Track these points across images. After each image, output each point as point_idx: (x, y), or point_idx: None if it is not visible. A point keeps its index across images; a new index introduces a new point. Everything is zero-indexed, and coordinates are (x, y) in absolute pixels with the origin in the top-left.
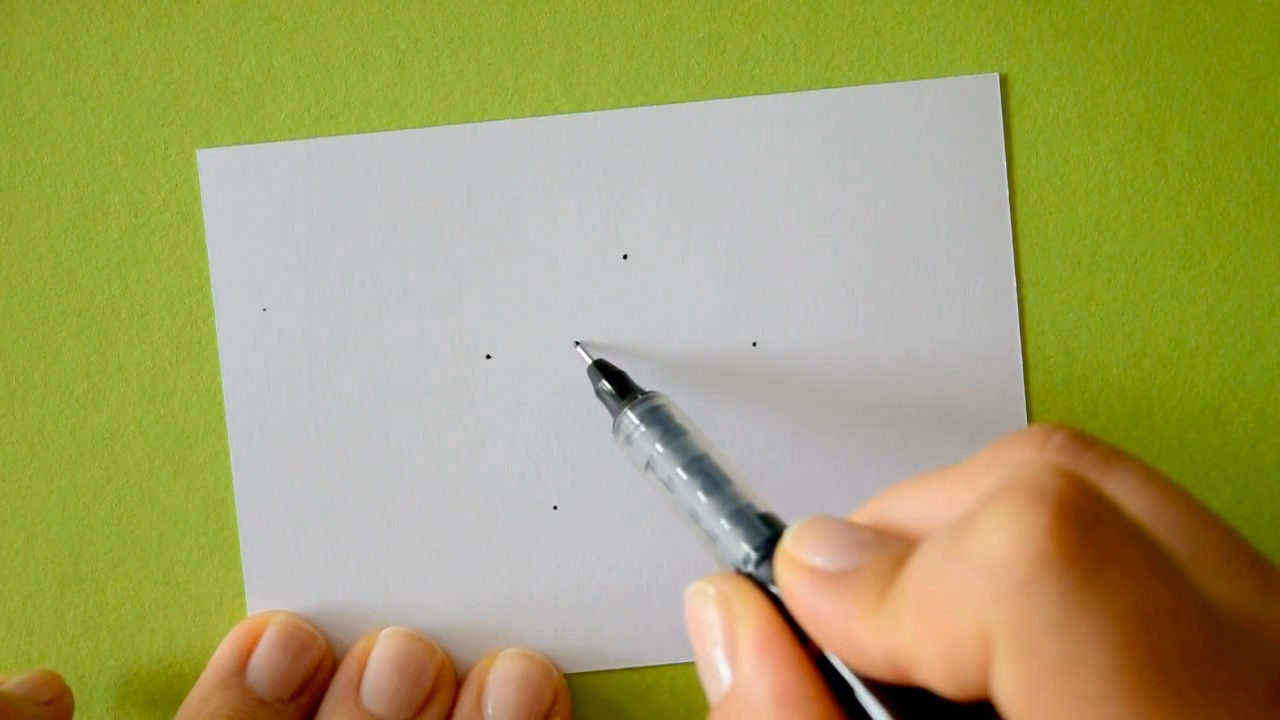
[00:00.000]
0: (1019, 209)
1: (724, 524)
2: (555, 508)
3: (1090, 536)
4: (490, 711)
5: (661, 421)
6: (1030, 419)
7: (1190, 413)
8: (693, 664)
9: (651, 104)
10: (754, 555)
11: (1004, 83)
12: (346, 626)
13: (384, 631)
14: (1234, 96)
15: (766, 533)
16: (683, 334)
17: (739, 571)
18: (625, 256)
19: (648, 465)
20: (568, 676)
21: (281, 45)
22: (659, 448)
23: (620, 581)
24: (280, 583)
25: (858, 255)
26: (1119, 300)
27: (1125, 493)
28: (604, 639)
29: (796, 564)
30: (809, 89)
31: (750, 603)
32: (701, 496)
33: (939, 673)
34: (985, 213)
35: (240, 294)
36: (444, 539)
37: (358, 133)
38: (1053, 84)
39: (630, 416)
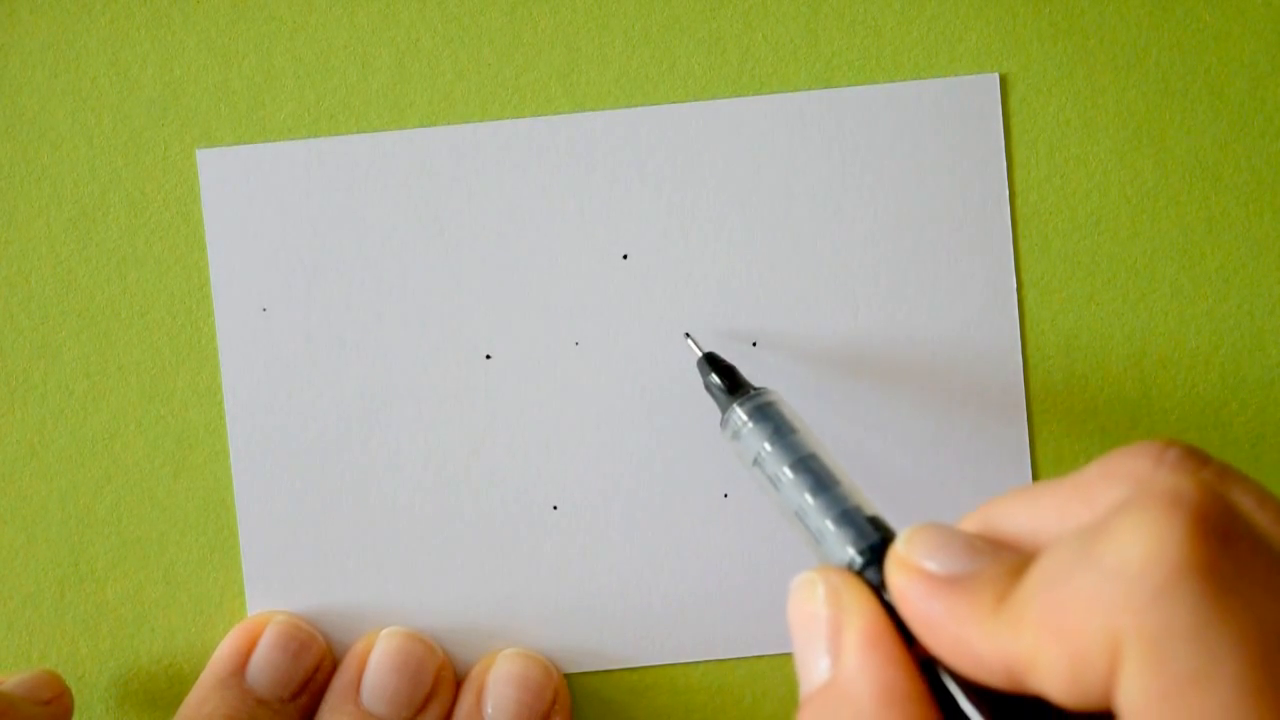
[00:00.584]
0: (1019, 209)
1: (830, 525)
2: (555, 508)
3: (1228, 548)
4: (490, 711)
5: (771, 418)
6: (1030, 419)
7: (1190, 413)
8: (692, 665)
9: (651, 104)
10: (859, 559)
11: (1004, 83)
12: (346, 626)
13: (384, 631)
14: (1234, 96)
15: (874, 536)
16: (683, 334)
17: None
18: (625, 256)
19: (755, 461)
20: (568, 676)
21: (281, 45)
22: (767, 445)
23: (620, 581)
24: (280, 583)
25: (858, 255)
26: (1119, 300)
27: (1244, 510)
28: (604, 639)
29: (910, 567)
30: (809, 89)
31: (860, 599)
32: (809, 496)
33: (1059, 679)
34: (985, 213)
35: (240, 294)
36: (444, 539)
37: (358, 133)
38: (1053, 84)
39: (739, 412)
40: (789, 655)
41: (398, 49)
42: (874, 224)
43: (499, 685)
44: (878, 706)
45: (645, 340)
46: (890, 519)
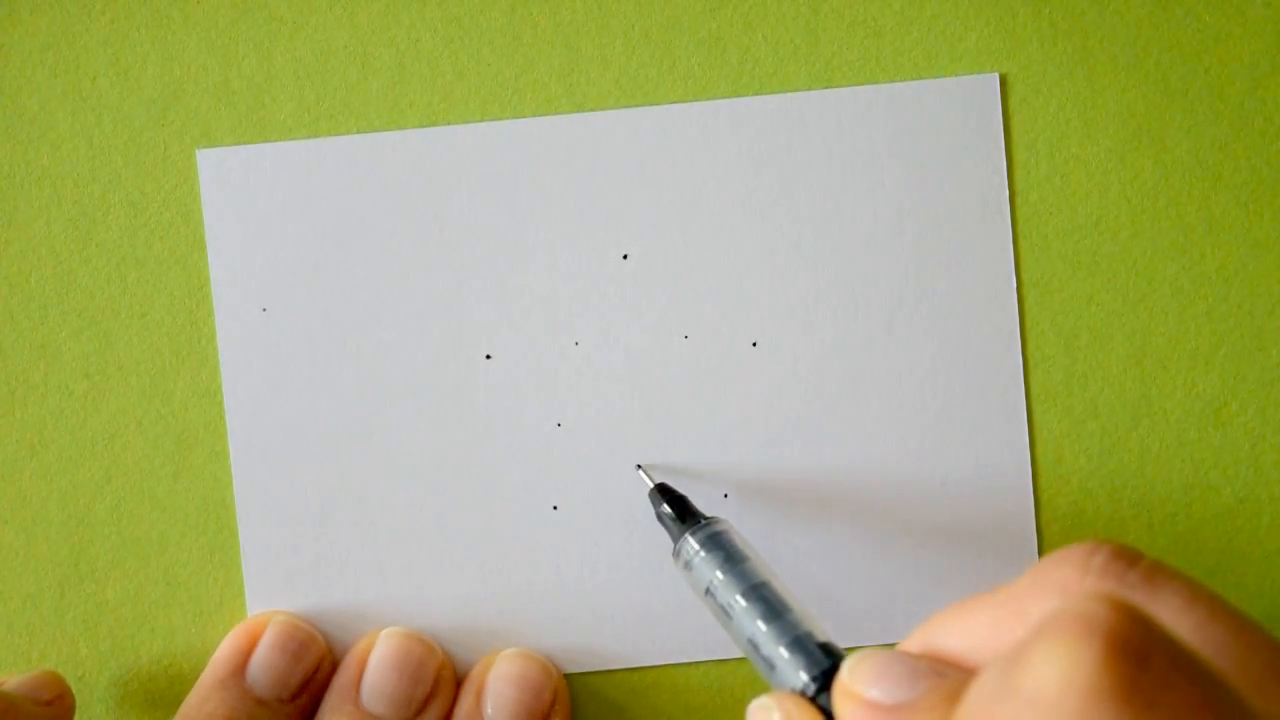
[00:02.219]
0: (1019, 209)
1: (783, 652)
2: (555, 508)
3: (1142, 669)
4: (490, 711)
5: (723, 547)
6: (1030, 418)
7: (1190, 413)
8: (692, 665)
9: (651, 104)
10: (813, 685)
11: (1004, 83)
12: (346, 626)
13: (384, 631)
14: (1234, 96)
15: (825, 663)
16: (683, 334)
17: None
18: (625, 256)
19: (707, 591)
20: (568, 676)
21: (281, 45)
22: (719, 574)
23: (620, 581)
24: (280, 583)
25: (858, 255)
26: (1119, 300)
27: (1171, 613)
28: (604, 639)
29: (854, 697)
30: (809, 89)
31: None
32: (761, 624)
33: None
34: (985, 213)
35: (240, 294)
36: (444, 539)
37: (358, 133)
38: (1053, 84)
39: (691, 542)
40: None
41: (398, 49)
42: (874, 224)
43: (499, 685)
44: None
45: (645, 340)
46: (892, 523)
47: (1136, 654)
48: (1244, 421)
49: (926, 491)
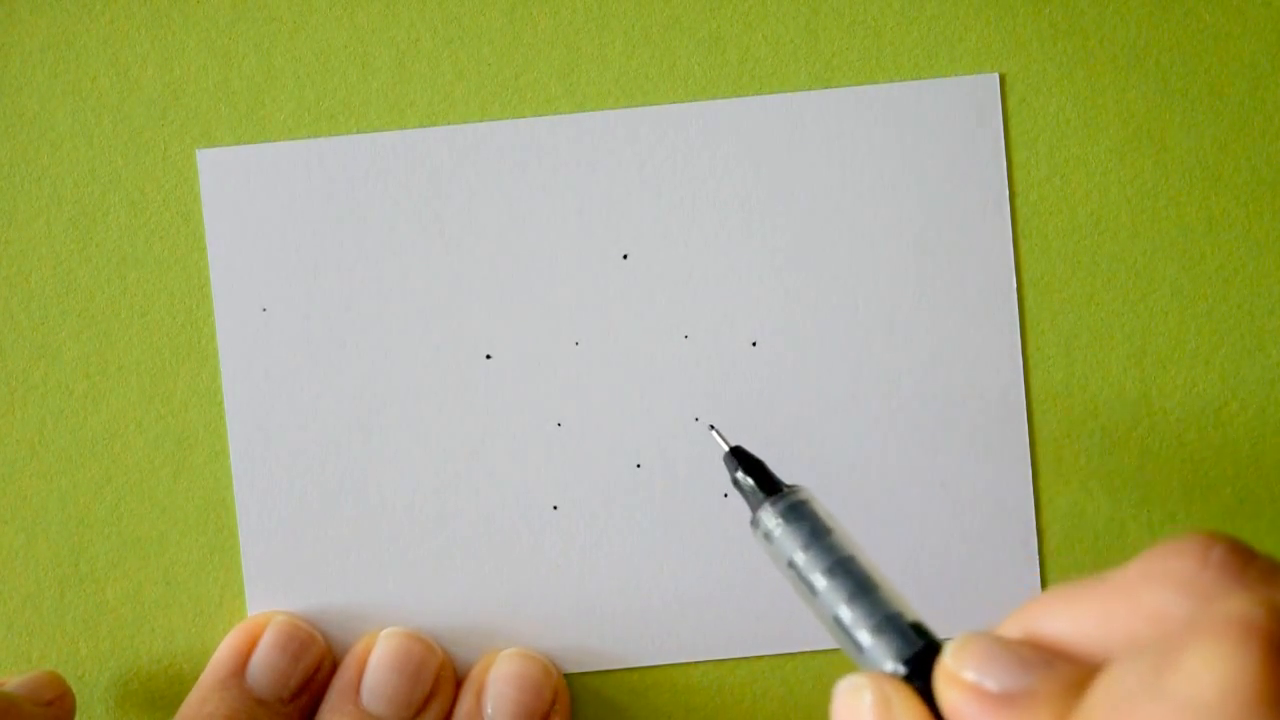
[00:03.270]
0: (1019, 209)
1: (871, 633)
2: (555, 508)
3: None
4: (490, 711)
5: (805, 519)
6: (1030, 419)
7: (1190, 413)
8: (692, 665)
9: (651, 104)
10: (903, 669)
11: (1004, 83)
12: (346, 626)
13: (384, 631)
14: (1234, 96)
15: (918, 644)
16: (683, 334)
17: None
18: (625, 256)
19: (789, 565)
20: (568, 676)
21: (281, 45)
22: (801, 551)
23: (620, 581)
24: (280, 583)
25: (857, 255)
26: (1119, 300)
27: None
28: (604, 639)
29: (961, 683)
30: (809, 89)
31: (911, 708)
32: (847, 603)
33: None
34: (985, 213)
35: (240, 294)
36: (444, 539)
37: (358, 133)
38: (1053, 84)
39: (771, 513)
40: (789, 655)
41: (398, 49)
42: (874, 223)
43: (499, 685)
44: None
45: (645, 340)
46: (891, 523)
47: None
48: (1244, 421)
49: (926, 491)
